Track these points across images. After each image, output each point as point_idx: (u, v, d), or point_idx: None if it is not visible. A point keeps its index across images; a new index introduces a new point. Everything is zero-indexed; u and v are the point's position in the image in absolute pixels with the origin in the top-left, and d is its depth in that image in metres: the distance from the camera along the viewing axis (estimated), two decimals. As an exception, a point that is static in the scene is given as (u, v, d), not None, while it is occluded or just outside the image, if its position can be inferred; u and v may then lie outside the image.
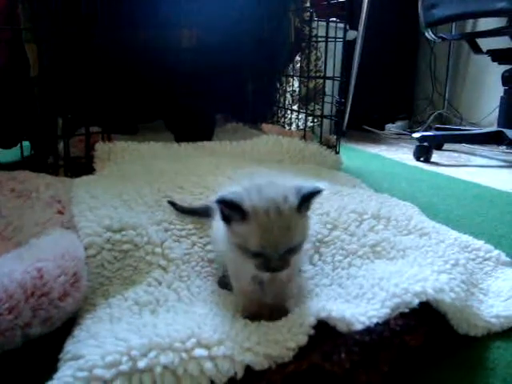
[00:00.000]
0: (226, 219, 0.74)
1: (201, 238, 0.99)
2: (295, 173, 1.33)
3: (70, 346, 0.71)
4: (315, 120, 2.27)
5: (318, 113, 2.06)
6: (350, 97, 3.27)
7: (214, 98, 1.98)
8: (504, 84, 2.69)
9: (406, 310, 0.77)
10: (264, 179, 0.76)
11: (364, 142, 3.19)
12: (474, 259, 1.05)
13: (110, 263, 0.89)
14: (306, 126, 2.03)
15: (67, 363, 0.67)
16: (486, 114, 3.30)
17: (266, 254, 0.70)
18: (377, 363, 0.69)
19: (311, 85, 2.40)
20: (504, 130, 2.56)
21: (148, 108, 1.97)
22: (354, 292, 0.83)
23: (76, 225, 0.93)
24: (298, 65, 2.48)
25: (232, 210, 0.71)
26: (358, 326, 0.72)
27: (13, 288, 0.71)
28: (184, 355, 0.69)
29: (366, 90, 3.40)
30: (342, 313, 0.74)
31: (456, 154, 2.83)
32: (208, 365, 0.68)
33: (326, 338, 0.70)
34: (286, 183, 0.75)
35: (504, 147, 2.81)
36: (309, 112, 2.15)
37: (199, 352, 0.69)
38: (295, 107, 2.48)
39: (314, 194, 0.73)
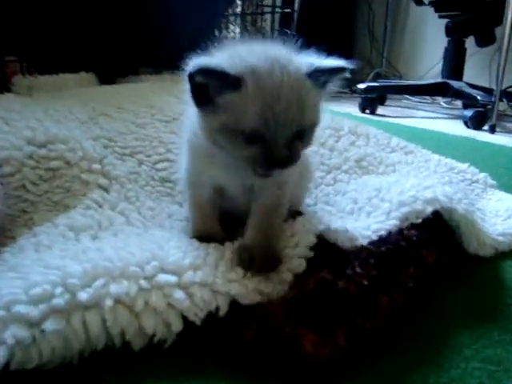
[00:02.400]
0: (201, 99, 0.52)
1: (148, 156, 0.80)
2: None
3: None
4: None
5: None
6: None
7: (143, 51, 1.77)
8: (448, 35, 2.63)
9: (419, 221, 0.62)
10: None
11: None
12: (462, 180, 0.93)
13: (35, 184, 0.69)
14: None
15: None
16: (427, 70, 3.24)
17: (269, 138, 0.50)
18: (398, 279, 0.54)
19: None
20: (449, 81, 2.50)
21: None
22: (348, 207, 0.68)
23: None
24: (239, 8, 2.30)
25: (216, 80, 0.50)
26: (363, 241, 0.57)
27: None
28: (144, 283, 0.51)
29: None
30: (342, 226, 0.58)
31: (400, 108, 2.76)
32: (178, 295, 0.50)
33: (332, 256, 0.54)
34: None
35: (449, 99, 2.76)
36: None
37: (165, 278, 0.51)
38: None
39: (333, 69, 0.54)
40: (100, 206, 0.67)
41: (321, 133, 0.89)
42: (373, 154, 0.85)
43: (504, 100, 2.17)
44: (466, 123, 2.11)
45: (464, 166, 0.98)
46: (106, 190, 0.69)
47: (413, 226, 0.61)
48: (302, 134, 0.52)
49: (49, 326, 0.45)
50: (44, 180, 0.69)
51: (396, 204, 0.63)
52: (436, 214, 0.65)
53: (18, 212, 0.67)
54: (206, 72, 0.49)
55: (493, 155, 1.49)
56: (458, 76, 2.61)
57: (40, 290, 0.48)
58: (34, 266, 0.53)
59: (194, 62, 0.50)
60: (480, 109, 2.11)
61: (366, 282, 0.49)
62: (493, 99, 2.07)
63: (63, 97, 1.01)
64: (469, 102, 2.30)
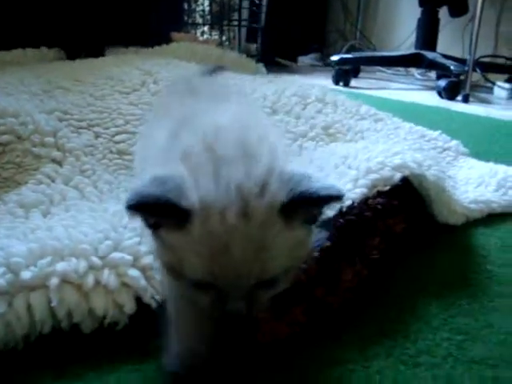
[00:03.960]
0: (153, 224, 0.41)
1: (106, 128, 0.76)
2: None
3: None
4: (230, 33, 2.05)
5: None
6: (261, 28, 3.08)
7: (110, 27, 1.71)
8: (421, 5, 2.60)
9: (386, 188, 0.59)
10: (233, 132, 0.43)
11: (278, 73, 3.01)
12: (434, 148, 0.91)
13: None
14: (222, 35, 1.82)
15: None
16: (401, 41, 3.23)
17: (221, 287, 0.39)
18: (362, 251, 0.51)
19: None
20: (422, 51, 2.48)
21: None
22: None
23: None
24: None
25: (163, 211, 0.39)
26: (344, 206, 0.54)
27: None
28: (95, 260, 0.47)
29: (277, 23, 3.23)
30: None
31: (374, 80, 2.74)
32: (134, 273, 0.47)
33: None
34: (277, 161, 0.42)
35: (423, 70, 2.74)
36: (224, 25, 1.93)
37: (120, 256, 0.48)
38: (206, 28, 2.25)
39: (323, 197, 0.40)
40: (53, 181, 0.63)
41: (286, 100, 0.86)
42: (340, 122, 0.83)
43: (477, 70, 2.16)
44: (439, 93, 2.10)
45: (435, 133, 0.97)
46: (59, 163, 0.66)
47: (380, 193, 0.58)
48: (269, 283, 0.40)
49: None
50: (-7, 155, 0.65)
51: (363, 171, 0.60)
52: (405, 182, 0.62)
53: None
54: (146, 207, 0.38)
55: (466, 125, 1.48)
56: (432, 47, 2.59)
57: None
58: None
59: (133, 193, 0.38)
60: (453, 79, 2.10)
61: (320, 254, 0.47)
62: (466, 69, 2.06)
63: (17, 70, 0.96)
64: (442, 72, 2.29)
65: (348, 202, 0.55)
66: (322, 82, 2.53)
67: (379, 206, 0.55)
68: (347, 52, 3.50)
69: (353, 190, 0.58)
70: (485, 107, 1.90)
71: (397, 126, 0.89)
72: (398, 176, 0.60)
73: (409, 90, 2.47)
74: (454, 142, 0.96)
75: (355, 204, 0.55)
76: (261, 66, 1.62)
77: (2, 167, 0.65)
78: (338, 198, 0.40)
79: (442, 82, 2.12)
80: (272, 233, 0.38)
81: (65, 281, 0.46)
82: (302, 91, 0.91)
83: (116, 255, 0.48)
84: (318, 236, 0.43)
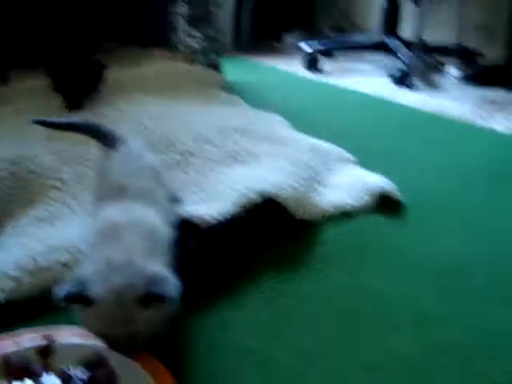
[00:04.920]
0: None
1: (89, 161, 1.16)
2: (175, 97, 1.52)
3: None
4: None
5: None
6: (250, 8, 3.36)
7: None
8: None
9: (249, 205, 0.99)
10: (120, 255, 0.69)
11: (262, 54, 3.32)
12: (322, 160, 1.29)
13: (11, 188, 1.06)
14: (192, 48, 2.14)
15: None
16: (370, 27, 3.45)
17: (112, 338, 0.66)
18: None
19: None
20: (386, 38, 2.76)
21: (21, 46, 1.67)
22: (213, 194, 1.05)
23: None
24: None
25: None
26: (212, 221, 0.94)
27: None
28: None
29: (263, 2, 3.50)
30: (200, 212, 0.96)
31: (346, 62, 3.03)
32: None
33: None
34: (143, 266, 0.67)
35: (387, 55, 3.01)
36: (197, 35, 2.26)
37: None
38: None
39: (160, 296, 0.65)
40: (56, 201, 1.04)
41: (213, 132, 1.25)
42: (246, 148, 1.21)
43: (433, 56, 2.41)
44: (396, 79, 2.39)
45: (330, 146, 1.34)
46: (59, 189, 1.07)
47: (248, 210, 0.98)
48: (141, 334, 0.66)
49: None
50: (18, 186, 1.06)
51: (239, 194, 1.00)
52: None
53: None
54: (70, 298, 0.64)
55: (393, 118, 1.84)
56: (395, 33, 2.84)
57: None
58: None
59: (61, 292, 0.64)
60: (404, 67, 2.37)
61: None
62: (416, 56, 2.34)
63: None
64: (404, 59, 2.51)
65: (226, 216, 0.95)
66: (299, 68, 2.85)
67: (245, 218, 0.96)
68: (332, 30, 3.78)
69: (230, 208, 0.97)
70: (431, 96, 2.20)
71: (294, 147, 1.26)
72: (259, 198, 0.99)
73: (377, 75, 2.72)
74: (342, 152, 1.34)
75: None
76: (222, 77, 1.96)
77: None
78: (175, 299, 0.66)
79: (394, 70, 2.43)
80: (134, 314, 0.64)
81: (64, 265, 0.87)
82: (227, 123, 1.30)
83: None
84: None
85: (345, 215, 1.12)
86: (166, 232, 0.79)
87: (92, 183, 0.94)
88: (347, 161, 1.33)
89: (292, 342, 0.79)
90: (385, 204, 1.17)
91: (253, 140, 1.25)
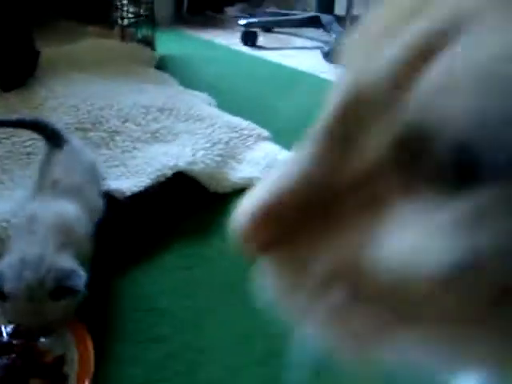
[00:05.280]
0: None
1: (20, 137, 1.25)
2: (106, 75, 1.61)
3: None
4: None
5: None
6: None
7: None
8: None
9: (163, 179, 1.11)
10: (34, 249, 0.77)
11: (202, 28, 3.39)
12: (238, 137, 1.41)
13: None
14: (125, 24, 2.21)
15: None
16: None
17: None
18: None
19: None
20: (320, 14, 2.89)
21: None
22: (133, 169, 1.17)
23: None
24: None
25: None
26: (128, 193, 1.06)
27: None
28: None
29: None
30: (119, 185, 1.07)
31: (283, 36, 3.15)
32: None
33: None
34: (54, 261, 0.75)
35: (321, 30, 3.15)
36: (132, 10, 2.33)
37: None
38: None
39: (69, 289, 0.74)
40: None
41: (136, 111, 1.36)
42: (166, 127, 1.31)
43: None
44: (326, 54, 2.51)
45: (246, 123, 1.46)
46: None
47: (160, 183, 1.11)
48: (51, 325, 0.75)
49: None
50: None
51: (154, 169, 1.12)
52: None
53: None
54: None
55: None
56: (331, 9, 2.97)
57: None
58: None
59: None
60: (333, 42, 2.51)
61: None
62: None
63: None
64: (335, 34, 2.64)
65: (141, 189, 1.08)
66: (236, 41, 2.95)
67: (158, 190, 1.08)
68: (271, 3, 3.87)
69: (145, 181, 1.10)
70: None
71: (211, 124, 1.38)
72: (170, 172, 1.12)
73: (311, 49, 2.84)
74: (259, 130, 1.46)
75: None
76: (154, 54, 2.04)
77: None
78: (83, 290, 0.75)
79: (326, 45, 2.56)
80: (46, 307, 0.72)
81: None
82: (150, 101, 1.40)
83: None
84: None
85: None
86: (83, 227, 0.87)
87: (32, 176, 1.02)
88: (263, 137, 1.45)
89: (200, 301, 0.92)
90: None
91: (174, 119, 1.37)
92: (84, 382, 0.72)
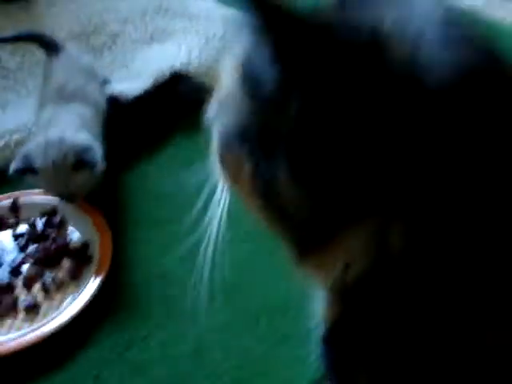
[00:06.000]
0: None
1: (30, 49, 1.35)
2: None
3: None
4: None
5: None
6: None
7: None
8: None
9: (161, 81, 1.22)
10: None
11: None
12: (233, 29, 1.48)
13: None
14: None
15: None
16: None
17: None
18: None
19: None
20: None
21: None
22: (134, 72, 1.28)
23: None
24: None
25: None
26: (131, 96, 1.19)
27: None
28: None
29: None
30: (122, 88, 1.20)
31: None
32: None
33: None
34: (74, 140, 0.91)
35: None
36: None
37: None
38: None
39: (88, 162, 0.90)
40: (4, 89, 1.27)
41: (135, 15, 1.43)
42: (162, 27, 1.40)
43: None
44: None
45: (238, 13, 1.53)
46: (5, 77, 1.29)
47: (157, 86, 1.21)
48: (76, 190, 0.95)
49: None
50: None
51: (152, 71, 1.22)
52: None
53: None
54: (19, 171, 0.90)
55: None
56: None
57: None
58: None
59: (14, 165, 0.91)
60: None
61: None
62: None
63: None
64: None
65: (142, 91, 1.19)
66: None
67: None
68: None
69: (146, 83, 1.21)
70: None
71: (207, 20, 1.44)
72: (168, 73, 1.22)
73: None
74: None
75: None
76: None
77: None
78: (99, 163, 0.92)
79: None
80: (69, 177, 0.89)
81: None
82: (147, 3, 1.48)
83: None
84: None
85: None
86: (93, 115, 1.05)
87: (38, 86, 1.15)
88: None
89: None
90: None
91: (170, 18, 1.44)
92: (105, 261, 0.91)
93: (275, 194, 0.32)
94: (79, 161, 0.90)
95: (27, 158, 0.91)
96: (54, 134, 0.94)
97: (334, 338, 0.34)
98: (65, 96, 1.04)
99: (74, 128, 0.97)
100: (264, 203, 0.34)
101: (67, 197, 0.94)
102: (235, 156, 0.36)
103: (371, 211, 0.29)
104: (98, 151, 0.94)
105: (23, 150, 0.94)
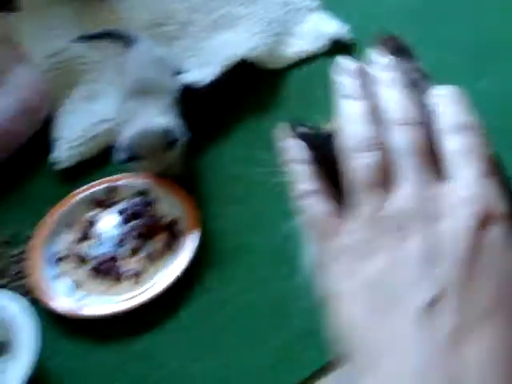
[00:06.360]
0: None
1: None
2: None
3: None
4: None
5: None
6: None
7: None
8: None
9: (229, 68, 1.35)
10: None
11: None
12: (290, 11, 1.58)
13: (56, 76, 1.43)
14: None
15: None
16: None
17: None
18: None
19: None
20: None
21: None
22: (204, 60, 1.41)
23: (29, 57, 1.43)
24: None
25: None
26: (202, 84, 1.32)
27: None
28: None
29: None
30: (194, 77, 1.33)
31: None
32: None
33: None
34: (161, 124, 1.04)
35: None
36: None
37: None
38: None
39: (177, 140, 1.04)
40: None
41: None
42: (228, 12, 1.51)
43: None
44: None
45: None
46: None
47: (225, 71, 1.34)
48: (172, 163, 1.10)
49: None
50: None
51: (221, 58, 1.34)
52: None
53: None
54: (122, 160, 1.07)
55: None
56: None
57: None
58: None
59: (118, 155, 1.07)
60: None
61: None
62: None
63: None
64: None
65: (212, 78, 1.32)
66: None
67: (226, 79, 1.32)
68: None
69: (215, 70, 1.33)
70: None
71: (265, 5, 1.55)
72: (234, 60, 1.34)
73: None
74: (307, 1, 1.61)
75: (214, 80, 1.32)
76: None
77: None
78: (186, 141, 1.09)
79: None
80: (164, 156, 1.03)
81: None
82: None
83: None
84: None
85: (304, 60, 1.46)
86: (170, 102, 1.19)
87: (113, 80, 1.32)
88: (312, 8, 1.60)
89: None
90: (341, 48, 1.46)
91: (234, 5, 1.54)
92: (194, 234, 1.07)
93: None
94: (170, 142, 1.04)
95: (126, 149, 1.06)
96: (141, 123, 1.09)
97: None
98: (141, 87, 1.19)
99: (157, 115, 1.11)
100: None
101: (164, 174, 1.09)
102: None
103: None
104: (182, 131, 1.10)
105: (119, 142, 1.10)
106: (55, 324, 0.99)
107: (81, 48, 1.46)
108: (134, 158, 1.06)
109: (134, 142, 1.06)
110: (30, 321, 0.91)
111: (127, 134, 1.10)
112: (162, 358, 0.94)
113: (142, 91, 1.17)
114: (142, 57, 1.27)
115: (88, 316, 0.99)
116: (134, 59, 1.27)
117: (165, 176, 1.08)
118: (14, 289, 1.03)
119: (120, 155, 1.07)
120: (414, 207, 0.34)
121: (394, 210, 0.35)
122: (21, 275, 1.06)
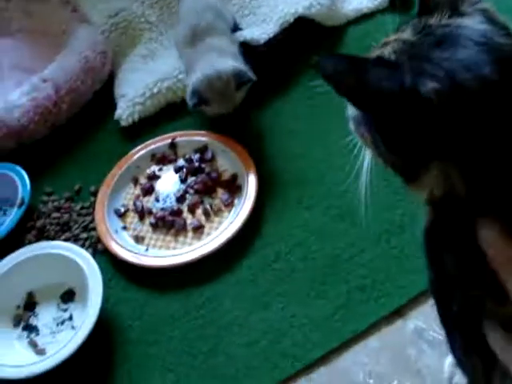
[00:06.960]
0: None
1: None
2: None
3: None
4: None
5: None
6: None
7: None
8: None
9: (286, 25, 1.34)
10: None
11: None
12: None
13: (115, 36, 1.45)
14: None
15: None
16: None
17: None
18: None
19: None
20: None
21: None
22: (261, 18, 1.40)
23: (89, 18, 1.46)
24: None
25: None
26: (261, 41, 1.31)
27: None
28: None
29: None
30: (251, 34, 1.32)
31: None
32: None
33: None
34: (231, 64, 1.08)
35: None
36: None
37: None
38: None
39: (246, 80, 1.09)
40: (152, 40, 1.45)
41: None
42: None
43: None
44: None
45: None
46: (151, 30, 1.46)
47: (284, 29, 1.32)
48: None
49: None
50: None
51: (278, 16, 1.33)
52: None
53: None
54: (196, 104, 1.12)
55: None
56: None
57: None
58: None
59: (189, 101, 1.12)
60: None
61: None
62: None
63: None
64: None
65: (271, 35, 1.31)
66: None
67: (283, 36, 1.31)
68: None
69: (273, 28, 1.32)
70: None
71: None
72: (292, 19, 1.32)
73: None
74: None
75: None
76: None
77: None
78: (252, 81, 1.11)
79: None
80: (233, 96, 1.09)
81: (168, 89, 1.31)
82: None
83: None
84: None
85: (363, 17, 1.43)
86: (229, 44, 1.21)
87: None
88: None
89: (322, 124, 1.21)
90: (399, 5, 1.42)
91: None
92: (253, 190, 1.08)
93: (383, 156, 0.52)
94: (239, 82, 1.08)
95: (197, 93, 1.08)
96: (206, 67, 1.11)
97: (429, 234, 0.53)
98: (199, 33, 1.20)
99: (219, 57, 1.13)
100: (381, 159, 0.53)
101: (233, 112, 1.13)
102: (360, 129, 0.54)
103: (434, 160, 0.46)
104: (247, 69, 1.11)
105: (190, 89, 1.12)
106: (120, 274, 1.03)
107: (140, 8, 1.48)
108: (205, 101, 1.09)
109: (204, 85, 1.08)
110: (96, 270, 0.95)
111: (194, 79, 1.11)
112: (222, 309, 0.97)
113: (199, 37, 1.19)
114: (195, 4, 1.27)
115: (151, 266, 1.02)
116: (187, 7, 1.28)
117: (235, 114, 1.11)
118: (81, 241, 1.08)
119: (192, 101, 1.10)
120: None
121: None
122: (86, 228, 1.10)
